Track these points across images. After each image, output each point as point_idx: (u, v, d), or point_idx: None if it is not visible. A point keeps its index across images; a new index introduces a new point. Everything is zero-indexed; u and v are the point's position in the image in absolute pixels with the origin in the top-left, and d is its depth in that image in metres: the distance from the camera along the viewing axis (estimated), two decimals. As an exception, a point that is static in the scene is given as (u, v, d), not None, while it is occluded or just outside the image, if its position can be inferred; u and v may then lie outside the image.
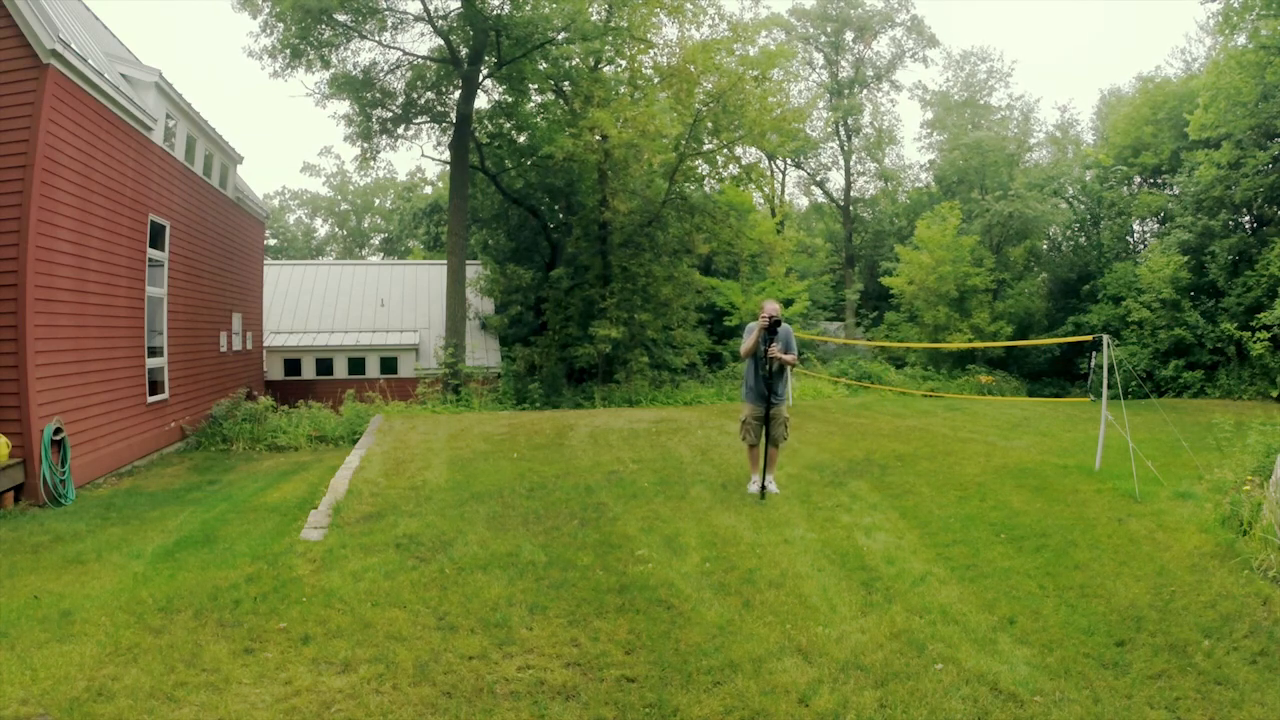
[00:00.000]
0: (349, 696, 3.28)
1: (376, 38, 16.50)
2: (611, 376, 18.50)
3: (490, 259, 22.19)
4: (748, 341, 6.46)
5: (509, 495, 6.81)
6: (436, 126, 19.15)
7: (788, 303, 23.04)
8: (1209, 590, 4.31)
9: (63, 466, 8.33)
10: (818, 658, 3.63)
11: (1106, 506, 6.16)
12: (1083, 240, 24.79)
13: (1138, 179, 23.40)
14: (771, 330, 6.29)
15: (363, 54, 19.36)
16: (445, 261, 18.80)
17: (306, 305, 21.78)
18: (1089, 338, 9.36)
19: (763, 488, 6.63)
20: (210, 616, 4.14)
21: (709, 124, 18.48)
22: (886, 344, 21.78)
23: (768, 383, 6.44)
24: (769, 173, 28.58)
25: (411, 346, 20.09)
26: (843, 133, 29.48)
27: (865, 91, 29.64)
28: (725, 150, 20.16)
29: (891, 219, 30.30)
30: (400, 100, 17.91)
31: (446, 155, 18.93)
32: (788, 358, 6.38)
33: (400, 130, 18.51)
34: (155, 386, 11.63)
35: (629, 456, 8.67)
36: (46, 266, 8.35)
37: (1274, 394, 16.71)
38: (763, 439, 6.63)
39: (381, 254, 41.84)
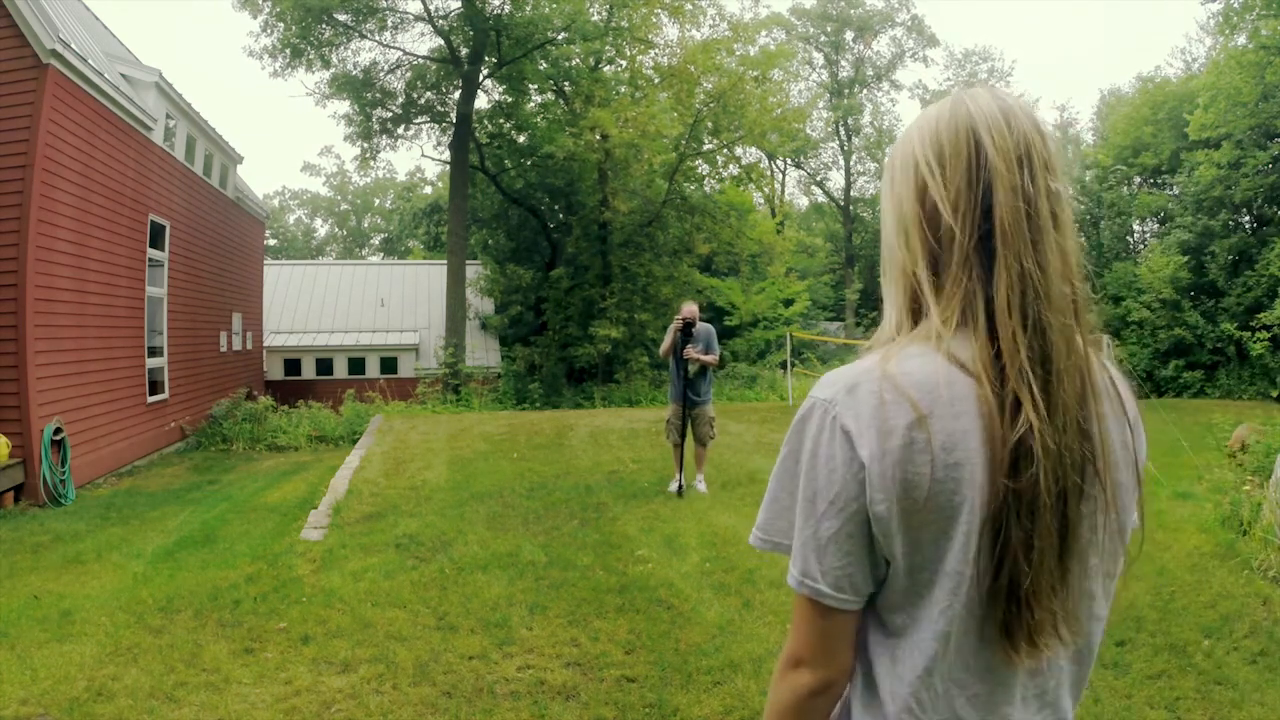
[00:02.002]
0: (349, 696, 3.28)
1: (377, 37, 16.53)
2: (611, 376, 18.51)
3: (490, 259, 22.19)
4: (665, 342, 6.63)
5: (509, 495, 6.81)
6: (436, 126, 19.16)
7: (788, 302, 23.05)
8: (1209, 590, 4.31)
9: (63, 466, 8.33)
10: (818, 658, 3.62)
11: (1106, 506, 6.15)
12: (1082, 240, 24.59)
13: (1138, 179, 23.39)
14: (686, 331, 6.43)
15: (363, 54, 19.38)
16: (445, 261, 18.81)
17: (306, 305, 21.76)
18: (1089, 338, 9.34)
19: (680, 486, 6.70)
20: (210, 616, 4.14)
21: (709, 124, 18.49)
22: (886, 344, 21.75)
23: (688, 383, 6.56)
24: (769, 173, 28.60)
25: (411, 346, 20.08)
26: (843, 133, 29.50)
27: (865, 91, 29.68)
28: (725, 150, 20.18)
29: (891, 219, 30.27)
30: (400, 100, 17.92)
31: (446, 155, 18.93)
32: (706, 358, 6.49)
33: (400, 130, 18.54)
34: (155, 386, 11.63)
35: (629, 456, 8.67)
36: (46, 266, 8.34)
37: (1274, 394, 16.70)
38: (688, 439, 6.72)
39: (381, 254, 41.84)
